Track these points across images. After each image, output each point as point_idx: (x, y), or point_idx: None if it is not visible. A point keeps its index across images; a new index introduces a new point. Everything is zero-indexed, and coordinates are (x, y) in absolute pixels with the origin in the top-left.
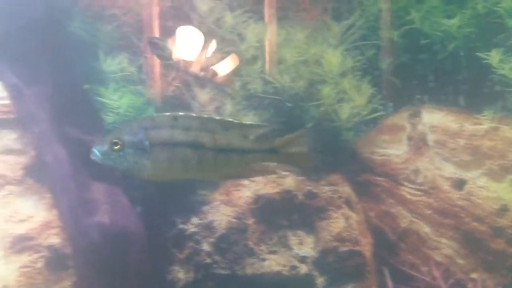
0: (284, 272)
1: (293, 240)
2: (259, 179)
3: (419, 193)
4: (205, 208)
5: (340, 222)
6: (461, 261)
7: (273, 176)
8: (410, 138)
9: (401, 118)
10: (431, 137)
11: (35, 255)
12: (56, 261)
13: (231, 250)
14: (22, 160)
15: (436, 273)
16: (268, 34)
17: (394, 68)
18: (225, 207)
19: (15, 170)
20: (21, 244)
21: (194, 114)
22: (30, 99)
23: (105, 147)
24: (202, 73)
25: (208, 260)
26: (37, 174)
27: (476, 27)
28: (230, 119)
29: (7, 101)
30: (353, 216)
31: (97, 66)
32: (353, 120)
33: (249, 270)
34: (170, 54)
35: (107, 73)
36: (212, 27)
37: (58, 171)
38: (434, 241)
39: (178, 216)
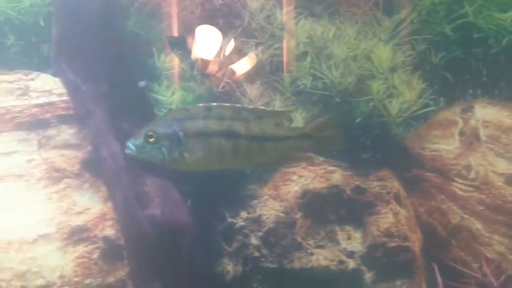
0: (332, 267)
1: (341, 235)
2: (307, 174)
3: (471, 189)
4: (254, 202)
5: (388, 218)
6: None
7: (321, 171)
8: (462, 133)
9: (453, 113)
10: (483, 132)
11: (91, 246)
12: (111, 252)
13: (279, 244)
14: (80, 154)
15: (487, 270)
16: (318, 29)
17: (446, 63)
18: (273, 201)
19: (73, 164)
20: (77, 235)
21: (227, 104)
22: (87, 96)
23: (139, 141)
24: (219, 72)
25: (256, 254)
26: (93, 168)
27: None
28: (262, 107)
29: (66, 98)
30: (402, 211)
31: (151, 63)
32: (403, 115)
33: (297, 264)
34: (189, 53)
35: (161, 70)
36: (263, 23)
37: (113, 165)
38: (485, 237)
39: (228, 210)
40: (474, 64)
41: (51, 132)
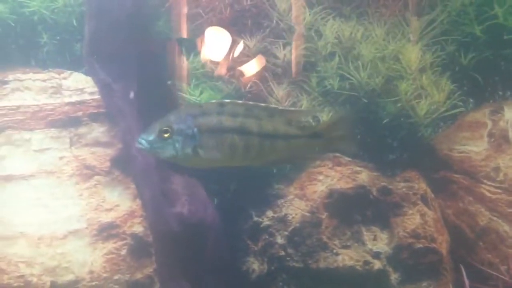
0: (358, 267)
1: (367, 235)
2: (334, 174)
3: (499, 191)
4: (280, 201)
5: (415, 219)
6: None
7: (348, 171)
8: (491, 135)
9: (482, 115)
10: None
11: (120, 243)
12: (139, 249)
13: (305, 244)
14: (110, 152)
15: None
16: (347, 30)
17: (476, 64)
18: (299, 201)
19: (103, 161)
20: (107, 231)
21: (239, 101)
22: (118, 95)
23: (152, 136)
24: (228, 74)
25: (282, 253)
26: (123, 166)
27: None
28: (274, 106)
29: (97, 96)
30: (429, 213)
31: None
32: (431, 117)
33: (322, 264)
34: (194, 53)
35: (189, 69)
36: (291, 24)
37: (142, 163)
38: None
39: (254, 209)
40: (504, 66)
41: (82, 130)
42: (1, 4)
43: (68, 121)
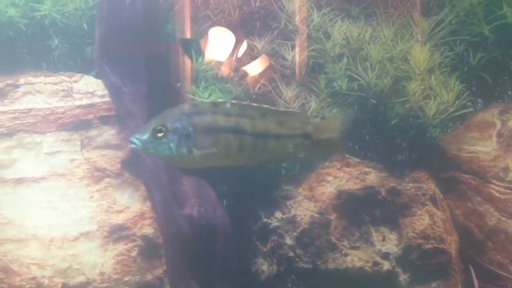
0: (367, 268)
1: (375, 236)
2: (342, 175)
3: (508, 191)
4: (289, 202)
5: (424, 219)
6: None
7: (356, 172)
8: (499, 135)
9: (491, 115)
10: None
11: (130, 244)
12: (149, 250)
13: (314, 245)
14: (120, 154)
15: None
16: (355, 31)
17: (485, 64)
18: (308, 202)
19: (113, 163)
20: (117, 233)
21: (233, 101)
22: (128, 97)
23: (146, 135)
24: (232, 74)
25: (291, 254)
26: (133, 168)
27: None
28: (267, 106)
29: (107, 99)
30: (438, 213)
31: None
32: (440, 117)
33: (331, 265)
34: (202, 54)
35: (198, 71)
36: (299, 25)
37: (152, 165)
38: None
39: (263, 210)
40: None
41: (93, 132)
42: (13, 8)
43: (79, 123)
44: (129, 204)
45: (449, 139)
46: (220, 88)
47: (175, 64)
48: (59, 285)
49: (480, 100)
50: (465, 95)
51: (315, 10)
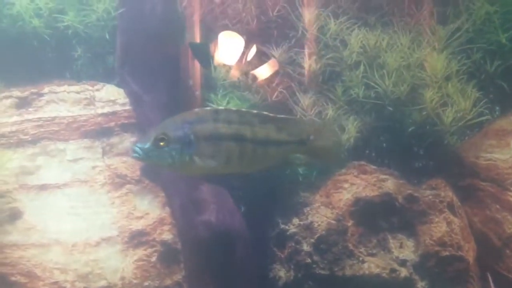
0: (384, 275)
1: (393, 243)
2: (359, 182)
3: None
4: (306, 209)
5: (442, 227)
6: None
7: (373, 179)
8: None
9: (509, 122)
10: None
11: (150, 250)
12: (168, 256)
13: (331, 251)
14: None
15: None
16: (372, 39)
17: (502, 71)
18: (325, 208)
19: (134, 170)
20: (137, 239)
21: (233, 108)
22: (148, 106)
23: (148, 144)
24: (241, 78)
25: (308, 260)
26: (152, 175)
27: None
28: (266, 113)
29: (128, 107)
30: (456, 220)
31: (208, 73)
32: (457, 125)
33: (348, 272)
34: (212, 59)
35: (217, 79)
36: (317, 34)
37: (171, 172)
38: None
39: (280, 217)
40: None
41: (114, 140)
42: (37, 19)
43: (100, 131)
44: (149, 210)
45: (467, 146)
46: (238, 96)
47: (194, 72)
48: None
49: (497, 107)
50: (482, 102)
51: (332, 19)
